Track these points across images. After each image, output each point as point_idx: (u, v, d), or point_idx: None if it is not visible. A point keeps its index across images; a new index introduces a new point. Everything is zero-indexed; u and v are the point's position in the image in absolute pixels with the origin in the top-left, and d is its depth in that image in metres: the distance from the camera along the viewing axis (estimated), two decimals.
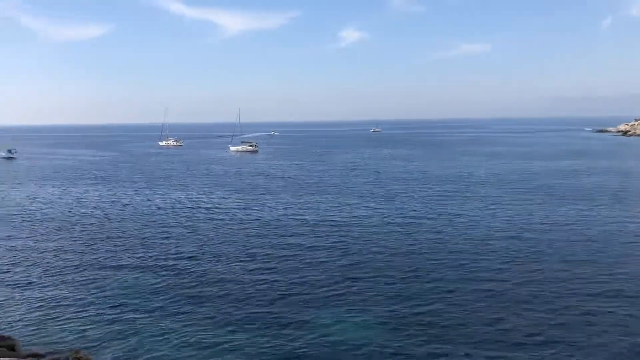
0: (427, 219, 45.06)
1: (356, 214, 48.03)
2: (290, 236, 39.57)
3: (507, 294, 26.46)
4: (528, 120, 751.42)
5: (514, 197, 55.85)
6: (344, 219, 45.51)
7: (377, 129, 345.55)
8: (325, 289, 27.63)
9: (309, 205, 53.34)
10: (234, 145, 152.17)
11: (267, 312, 24.59)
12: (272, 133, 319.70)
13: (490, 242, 36.80)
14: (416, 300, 25.69)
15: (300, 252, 34.96)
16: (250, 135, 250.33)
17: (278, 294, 26.98)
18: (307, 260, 32.87)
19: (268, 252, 34.98)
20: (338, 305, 25.28)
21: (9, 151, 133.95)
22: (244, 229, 42.53)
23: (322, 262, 32.56)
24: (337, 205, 53.02)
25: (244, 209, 51.89)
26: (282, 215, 48.10)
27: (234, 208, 52.36)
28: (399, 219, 45.06)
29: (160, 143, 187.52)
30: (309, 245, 36.76)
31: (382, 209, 50.32)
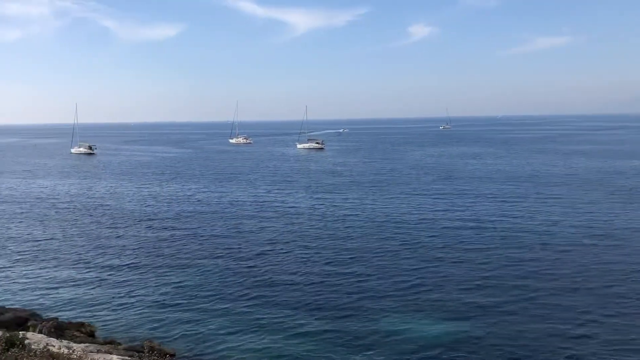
0: (502, 220, 43.21)
1: (426, 213, 46.86)
2: (359, 236, 39.05)
3: (592, 305, 24.62)
4: (610, 117, 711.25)
5: (593, 198, 52.70)
6: (414, 219, 44.49)
7: (447, 126, 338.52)
8: (396, 293, 26.89)
9: (377, 203, 52.63)
10: (301, 142, 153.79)
11: (337, 314, 24.21)
12: (341, 130, 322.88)
13: (570, 247, 34.68)
14: (493, 309, 24.41)
15: (368, 252, 34.39)
16: (318, 132, 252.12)
17: (348, 296, 26.54)
18: (376, 262, 32.24)
19: (336, 252, 34.66)
20: (410, 311, 24.48)
21: (90, 147, 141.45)
22: (311, 227, 42.46)
23: (391, 264, 31.85)
24: (406, 204, 51.99)
25: (311, 206, 51.94)
26: (349, 213, 47.70)
27: (301, 205, 52.51)
28: (472, 220, 43.42)
29: (231, 140, 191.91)
30: (377, 245, 36.09)
31: (454, 209, 48.77)
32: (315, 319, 23.56)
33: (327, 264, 31.85)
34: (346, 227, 41.97)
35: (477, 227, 40.71)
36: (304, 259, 32.83)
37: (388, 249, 34.79)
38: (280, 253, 34.41)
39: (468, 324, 22.66)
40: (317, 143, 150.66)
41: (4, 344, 11.45)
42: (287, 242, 37.25)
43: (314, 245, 36.37)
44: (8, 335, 12.90)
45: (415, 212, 47.56)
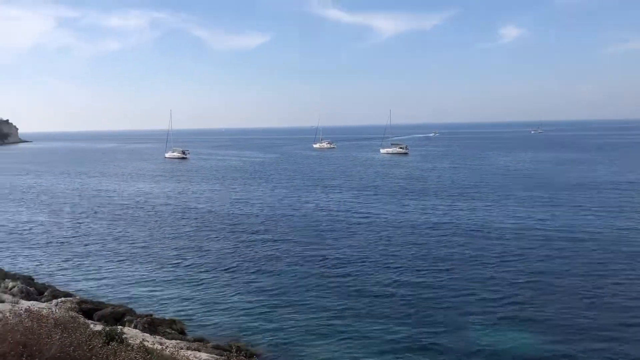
0: (605, 233, 40.11)
1: (517, 223, 44.58)
2: (448, 245, 37.71)
3: None
4: None
5: None
6: (506, 229, 42.48)
7: (539, 130, 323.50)
8: (489, 306, 25.69)
9: (466, 211, 50.85)
10: (384, 147, 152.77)
11: (427, 326, 23.54)
12: (431, 134, 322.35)
13: None
14: (598, 331, 22.55)
15: (460, 262, 33.04)
16: (404, 137, 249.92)
17: (438, 308, 25.67)
18: (469, 273, 30.86)
19: (426, 262, 33.63)
20: (503, 326, 23.28)
21: (183, 152, 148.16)
22: (398, 234, 41.52)
23: (484, 275, 30.46)
24: (497, 213, 49.87)
25: (396, 213, 51.10)
26: (437, 221, 46.41)
27: (386, 212, 51.74)
28: (569, 232, 40.58)
29: (315, 145, 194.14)
30: (469, 256, 34.57)
31: (548, 220, 45.95)
32: (402, 329, 22.97)
33: (416, 273, 31.00)
34: (436, 235, 40.78)
35: (577, 239, 38.06)
36: (392, 268, 32.08)
37: (480, 260, 33.24)
38: (367, 261, 33.82)
39: (568, 344, 21.20)
40: (400, 148, 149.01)
41: (104, 338, 12.04)
42: (375, 250, 36.65)
43: (402, 253, 35.54)
44: (108, 329, 13.58)
45: (508, 221, 45.34)
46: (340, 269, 31.94)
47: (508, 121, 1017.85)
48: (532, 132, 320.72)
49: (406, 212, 51.08)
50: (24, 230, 46.82)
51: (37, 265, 34.84)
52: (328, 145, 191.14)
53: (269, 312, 25.29)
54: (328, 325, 23.53)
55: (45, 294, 26.97)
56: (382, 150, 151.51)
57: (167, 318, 24.16)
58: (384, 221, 46.67)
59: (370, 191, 66.91)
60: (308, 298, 27.06)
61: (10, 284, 27.24)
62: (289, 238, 40.86)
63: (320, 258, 34.66)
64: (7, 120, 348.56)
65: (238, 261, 34.51)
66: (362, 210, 52.43)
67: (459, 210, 51.19)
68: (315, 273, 31.28)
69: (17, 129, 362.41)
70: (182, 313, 25.44)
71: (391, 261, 33.49)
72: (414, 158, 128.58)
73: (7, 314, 11.14)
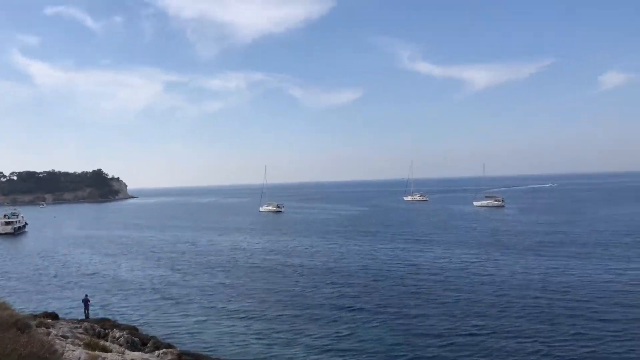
0: None
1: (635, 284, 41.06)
2: (555, 307, 35.42)
3: None
4: None
5: None
6: (624, 290, 39.24)
7: None
8: None
9: (573, 270, 47.53)
10: (478, 200, 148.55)
11: None
12: (548, 185, 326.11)
13: None
14: None
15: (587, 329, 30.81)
16: (510, 188, 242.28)
17: None
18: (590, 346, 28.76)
19: (545, 326, 31.70)
20: None
21: (278, 206, 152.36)
22: (501, 295, 39.24)
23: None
24: (613, 273, 46.29)
25: (495, 268, 48.77)
26: (541, 279, 43.63)
27: (486, 270, 49.48)
28: None
29: (406, 198, 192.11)
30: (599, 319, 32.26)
31: None
32: None
33: (541, 340, 29.23)
34: (549, 295, 38.32)
35: None
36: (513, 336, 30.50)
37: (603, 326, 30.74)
38: (484, 325, 32.04)
39: None
40: (496, 200, 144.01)
41: None
42: (491, 313, 34.37)
43: (515, 313, 33.56)
44: None
45: (619, 279, 41.90)
46: (439, 327, 30.59)
47: (623, 171, 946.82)
48: None
49: (503, 269, 48.41)
50: (129, 281, 49.63)
51: (140, 316, 36.55)
52: (420, 197, 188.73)
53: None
54: None
55: (149, 345, 28.00)
56: (475, 203, 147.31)
57: None
58: (479, 279, 44.45)
59: (460, 246, 64.43)
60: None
61: (117, 334, 28.69)
62: (389, 293, 39.63)
63: (419, 318, 33.06)
64: (118, 178, 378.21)
65: (331, 317, 34.09)
66: (456, 265, 50.43)
67: (564, 267, 47.86)
68: (419, 337, 30.11)
69: (126, 185, 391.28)
70: None
71: (499, 327, 31.38)
72: (510, 211, 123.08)
73: None
